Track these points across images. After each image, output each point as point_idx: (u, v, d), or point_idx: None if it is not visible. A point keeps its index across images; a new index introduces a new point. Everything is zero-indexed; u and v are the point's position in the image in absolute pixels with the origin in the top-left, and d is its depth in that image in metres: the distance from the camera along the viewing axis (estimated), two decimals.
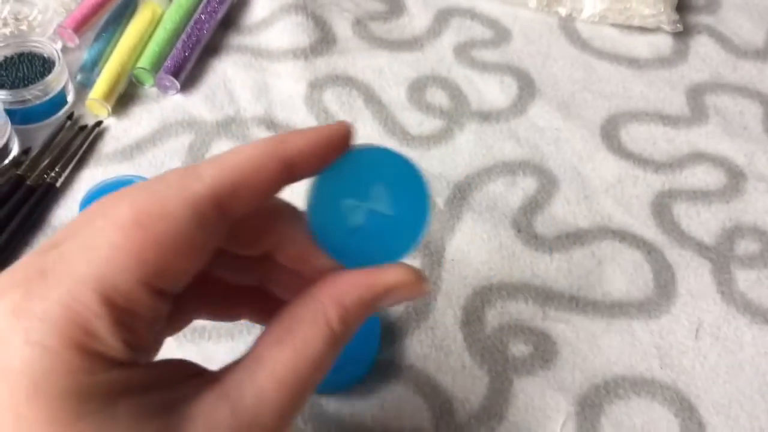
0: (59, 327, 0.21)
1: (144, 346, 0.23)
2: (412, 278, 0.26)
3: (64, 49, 0.52)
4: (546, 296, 0.43)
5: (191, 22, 0.54)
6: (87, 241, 0.22)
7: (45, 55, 0.50)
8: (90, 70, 0.51)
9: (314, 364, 0.25)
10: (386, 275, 0.26)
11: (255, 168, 0.24)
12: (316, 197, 0.26)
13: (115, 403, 0.21)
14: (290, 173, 0.25)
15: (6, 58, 0.50)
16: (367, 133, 0.50)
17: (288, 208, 0.28)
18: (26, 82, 0.49)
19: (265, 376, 0.24)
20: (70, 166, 0.47)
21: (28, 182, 0.45)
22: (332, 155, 0.26)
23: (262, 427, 0.23)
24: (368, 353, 0.39)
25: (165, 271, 0.23)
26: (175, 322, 0.29)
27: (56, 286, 0.21)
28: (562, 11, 0.58)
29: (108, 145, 0.49)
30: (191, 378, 0.25)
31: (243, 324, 0.41)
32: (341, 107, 0.51)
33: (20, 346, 0.21)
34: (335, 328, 0.25)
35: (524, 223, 0.46)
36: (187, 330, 0.40)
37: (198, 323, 0.40)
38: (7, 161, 0.47)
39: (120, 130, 0.49)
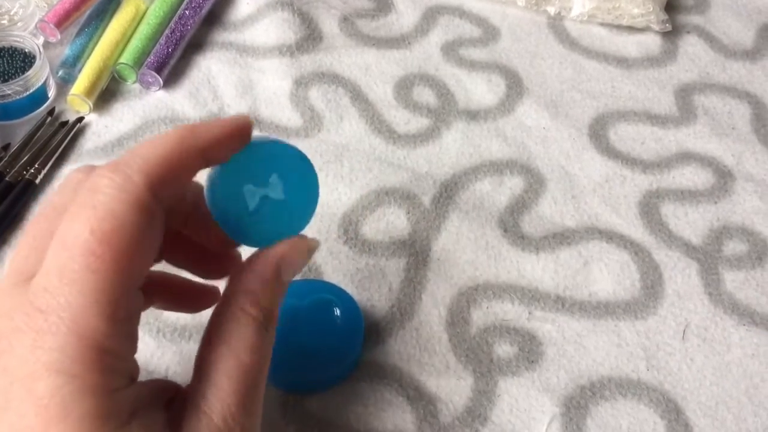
0: (78, 354, 0.23)
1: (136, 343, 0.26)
2: (295, 243, 0.30)
3: (46, 44, 0.51)
4: (532, 296, 0.43)
5: (175, 18, 0.53)
6: (67, 274, 0.24)
7: (26, 50, 0.50)
8: (72, 66, 0.50)
9: (251, 351, 0.27)
10: (276, 250, 0.29)
11: (175, 160, 0.26)
12: (218, 185, 0.29)
13: (129, 422, 0.24)
14: (205, 161, 0.28)
15: None
16: (353, 131, 0.50)
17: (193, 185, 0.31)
18: (6, 77, 0.48)
19: (217, 377, 0.27)
20: (50, 162, 0.46)
21: (8, 178, 0.44)
22: (238, 145, 0.28)
23: (232, 422, 0.26)
24: (352, 353, 0.39)
25: (140, 268, 0.25)
26: None
27: (61, 322, 0.23)
28: (551, 10, 0.58)
29: (89, 141, 0.48)
30: (175, 396, 0.28)
31: None
32: (327, 105, 0.51)
33: (46, 375, 0.23)
34: (254, 314, 0.28)
35: (511, 223, 0.46)
36: (167, 330, 0.40)
37: (178, 323, 0.40)
38: None
39: (101, 126, 0.49)
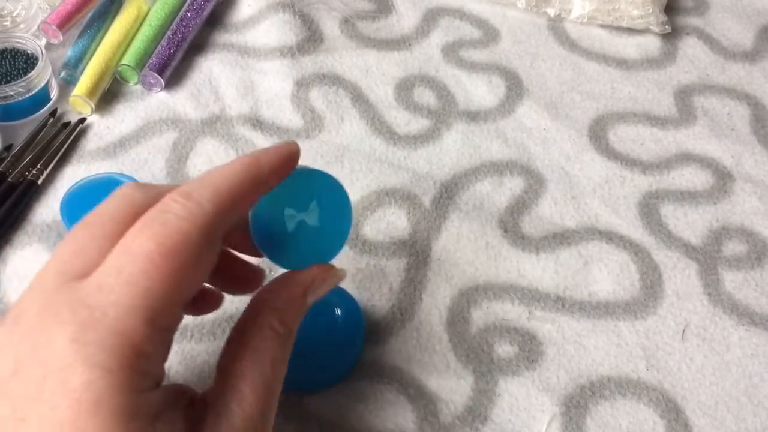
0: (115, 351, 0.24)
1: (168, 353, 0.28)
2: (325, 269, 0.32)
3: (48, 46, 0.52)
4: (532, 296, 0.43)
5: (177, 20, 0.53)
6: (123, 276, 0.25)
7: (28, 52, 0.50)
8: (74, 67, 0.51)
9: (273, 363, 0.29)
10: (306, 273, 0.32)
11: (244, 190, 0.28)
12: (262, 208, 0.31)
13: (154, 423, 0.25)
14: (264, 189, 0.30)
15: None
16: (354, 131, 0.50)
17: None
18: (9, 78, 0.48)
19: (241, 385, 0.28)
20: (53, 164, 0.46)
21: (10, 179, 0.45)
22: (289, 171, 0.31)
23: (253, 427, 0.28)
24: (352, 352, 0.39)
25: (190, 287, 0.27)
26: None
27: (105, 317, 0.24)
28: (551, 12, 0.58)
29: (91, 142, 0.48)
30: (192, 402, 0.29)
31: (225, 323, 0.40)
32: (328, 106, 0.51)
33: (81, 368, 0.24)
34: (277, 328, 0.30)
35: (511, 223, 0.46)
36: None
37: (181, 323, 0.40)
38: None
39: (103, 128, 0.49)
